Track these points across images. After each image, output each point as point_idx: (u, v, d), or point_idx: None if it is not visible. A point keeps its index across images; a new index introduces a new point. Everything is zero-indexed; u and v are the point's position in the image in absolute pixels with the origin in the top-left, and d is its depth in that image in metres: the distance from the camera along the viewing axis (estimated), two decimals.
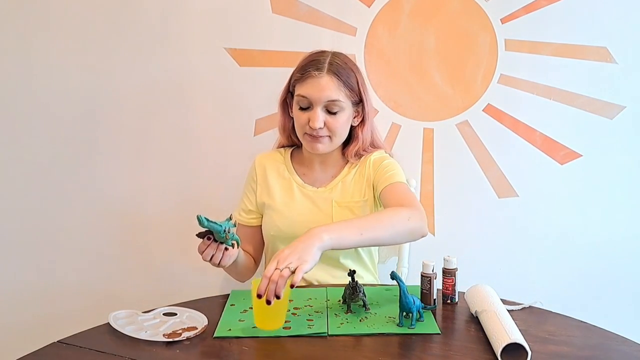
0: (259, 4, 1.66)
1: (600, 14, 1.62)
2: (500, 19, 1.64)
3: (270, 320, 1.04)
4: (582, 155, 1.69)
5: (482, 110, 1.69)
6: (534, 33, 1.64)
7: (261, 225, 1.45)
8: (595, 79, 1.65)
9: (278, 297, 0.99)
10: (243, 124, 1.72)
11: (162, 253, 1.79)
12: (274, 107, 1.69)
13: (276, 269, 1.00)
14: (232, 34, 1.69)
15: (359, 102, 1.36)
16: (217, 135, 1.74)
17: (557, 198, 1.71)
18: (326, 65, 1.31)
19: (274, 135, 1.67)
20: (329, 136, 1.33)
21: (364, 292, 1.14)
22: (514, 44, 1.65)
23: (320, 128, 1.30)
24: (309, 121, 1.31)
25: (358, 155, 1.40)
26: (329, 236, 1.07)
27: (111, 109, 1.74)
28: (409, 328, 1.06)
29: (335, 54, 1.35)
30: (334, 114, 1.31)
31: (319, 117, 1.30)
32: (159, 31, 1.70)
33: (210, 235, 1.12)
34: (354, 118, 1.37)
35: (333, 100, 1.30)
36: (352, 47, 1.66)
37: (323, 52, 1.36)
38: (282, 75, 1.67)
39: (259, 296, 0.99)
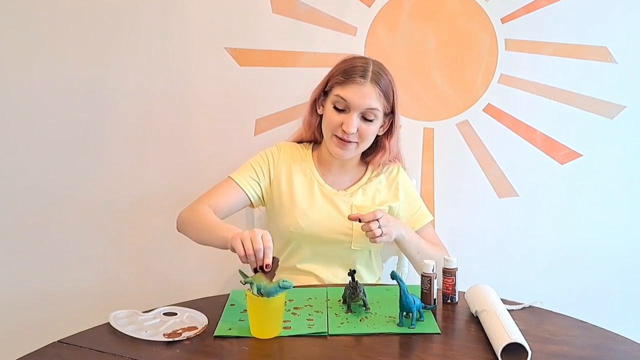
0: (259, 3, 1.66)
1: (600, 14, 1.62)
2: (501, 19, 1.64)
3: (266, 328, 1.04)
4: (582, 155, 1.69)
5: (482, 110, 1.69)
6: (534, 33, 1.64)
7: (262, 216, 1.44)
8: (595, 79, 1.65)
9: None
10: (243, 124, 1.72)
11: (162, 253, 1.79)
12: (274, 107, 1.70)
13: (376, 220, 1.24)
14: (232, 33, 1.69)
15: (389, 112, 1.37)
16: (217, 135, 1.74)
17: (557, 198, 1.71)
18: (370, 73, 1.32)
19: (274, 135, 1.68)
20: (357, 142, 1.35)
21: (364, 292, 1.14)
22: (514, 44, 1.65)
23: (353, 133, 1.32)
24: (341, 124, 1.32)
25: (383, 164, 1.43)
26: (406, 235, 1.33)
27: (111, 109, 1.74)
28: (409, 328, 1.06)
29: (376, 63, 1.36)
30: (369, 121, 1.33)
31: (354, 122, 1.31)
32: (159, 31, 1.70)
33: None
34: (381, 127, 1.38)
35: (371, 109, 1.32)
36: (352, 47, 1.66)
37: (364, 57, 1.37)
38: (282, 75, 1.68)
39: (353, 218, 1.27)
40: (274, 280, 1.04)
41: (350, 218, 1.29)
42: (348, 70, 1.32)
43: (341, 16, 1.66)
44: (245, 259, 1.06)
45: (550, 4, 1.62)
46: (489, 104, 1.68)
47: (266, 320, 1.04)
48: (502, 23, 1.65)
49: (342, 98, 1.31)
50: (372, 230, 1.24)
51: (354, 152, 1.36)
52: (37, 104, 1.74)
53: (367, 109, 1.31)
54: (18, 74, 1.72)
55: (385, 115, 1.37)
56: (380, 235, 1.25)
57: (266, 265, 1.05)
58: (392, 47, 1.68)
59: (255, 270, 1.06)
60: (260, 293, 1.01)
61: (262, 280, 1.03)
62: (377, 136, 1.39)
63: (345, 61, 1.36)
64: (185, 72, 1.71)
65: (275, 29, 1.67)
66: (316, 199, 1.39)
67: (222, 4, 1.68)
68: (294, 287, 1.02)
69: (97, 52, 1.71)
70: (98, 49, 1.71)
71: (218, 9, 1.68)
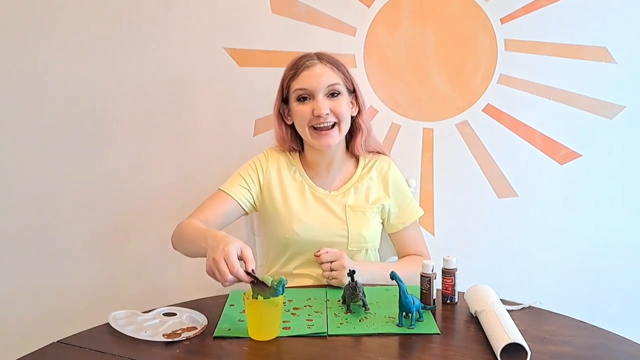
0: (258, 3, 1.67)
1: (600, 14, 1.63)
2: (500, 19, 1.64)
3: (264, 331, 1.03)
4: (581, 155, 1.69)
5: (482, 110, 1.69)
6: (534, 33, 1.64)
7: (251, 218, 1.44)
8: (595, 79, 1.65)
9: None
10: (243, 124, 1.72)
11: (162, 253, 1.79)
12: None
13: (331, 262, 1.24)
14: (232, 34, 1.69)
15: (352, 90, 1.38)
16: (216, 135, 1.74)
17: (556, 198, 1.71)
18: (315, 56, 1.36)
19: (274, 135, 1.67)
20: (336, 123, 1.34)
21: (363, 292, 1.14)
22: (514, 44, 1.65)
23: (327, 114, 1.32)
24: (312, 112, 1.32)
25: (366, 149, 1.43)
26: (370, 280, 1.28)
27: (111, 109, 1.74)
28: (408, 328, 1.06)
29: (320, 52, 1.39)
30: (336, 96, 1.34)
31: (323, 103, 1.32)
32: (159, 31, 1.70)
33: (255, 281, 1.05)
34: (352, 108, 1.39)
35: (332, 84, 1.33)
36: (352, 47, 1.66)
37: (306, 53, 1.40)
38: (282, 75, 1.67)
39: (317, 255, 1.26)
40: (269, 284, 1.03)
41: (315, 254, 1.29)
42: (295, 64, 1.36)
43: (340, 16, 1.66)
44: (228, 283, 1.05)
45: (550, 4, 1.62)
46: (488, 104, 1.68)
47: (264, 323, 1.03)
48: (502, 23, 1.65)
49: (302, 89, 1.33)
50: (322, 269, 1.26)
51: (338, 137, 1.36)
52: (36, 105, 1.74)
53: (328, 85, 1.33)
54: (18, 75, 1.72)
55: (350, 93, 1.38)
56: (328, 277, 1.25)
57: (251, 274, 1.03)
58: (392, 48, 1.68)
59: (252, 282, 1.05)
60: (268, 296, 1.02)
61: (260, 288, 1.03)
62: (353, 118, 1.40)
63: (290, 61, 1.39)
64: (185, 72, 1.71)
65: (274, 29, 1.67)
66: (309, 203, 1.39)
67: (222, 4, 1.68)
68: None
69: (96, 53, 1.71)
70: (97, 49, 1.71)
71: (218, 9, 1.68)
